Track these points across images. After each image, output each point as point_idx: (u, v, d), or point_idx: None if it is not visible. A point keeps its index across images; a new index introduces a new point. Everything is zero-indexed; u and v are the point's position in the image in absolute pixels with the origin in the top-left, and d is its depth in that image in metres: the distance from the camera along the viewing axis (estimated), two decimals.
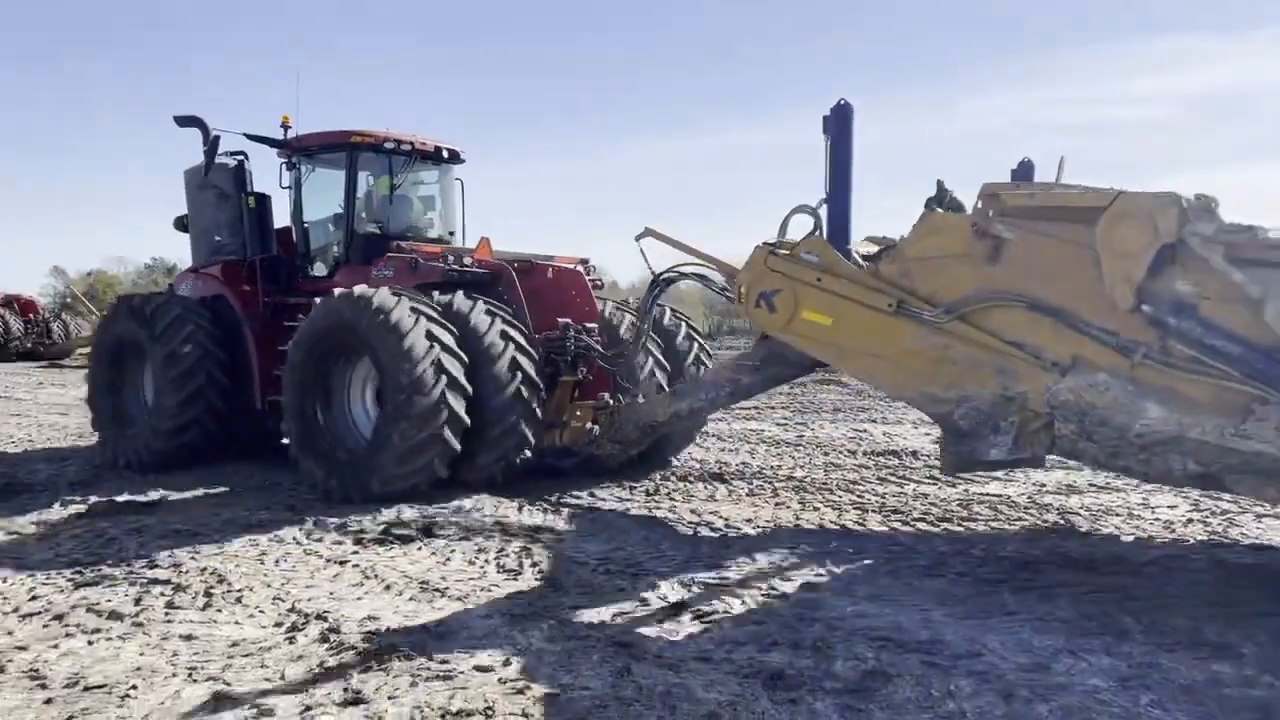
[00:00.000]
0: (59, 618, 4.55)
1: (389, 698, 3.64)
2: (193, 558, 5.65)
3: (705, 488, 8.01)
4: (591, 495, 7.61)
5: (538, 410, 7.58)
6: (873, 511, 7.03)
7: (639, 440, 7.73)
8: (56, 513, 6.96)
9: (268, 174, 10.87)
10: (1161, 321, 4.77)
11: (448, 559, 5.72)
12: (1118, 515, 6.75)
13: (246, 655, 4.09)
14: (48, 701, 3.59)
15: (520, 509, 7.06)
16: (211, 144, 9.06)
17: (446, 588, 5.11)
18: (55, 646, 4.16)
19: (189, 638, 4.30)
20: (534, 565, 5.55)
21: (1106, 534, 6.31)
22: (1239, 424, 4.56)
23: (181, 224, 9.86)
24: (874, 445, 10.19)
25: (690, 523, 6.70)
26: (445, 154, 9.61)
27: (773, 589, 5.08)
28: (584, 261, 9.20)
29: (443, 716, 3.49)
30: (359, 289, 7.50)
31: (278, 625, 4.49)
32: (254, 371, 8.93)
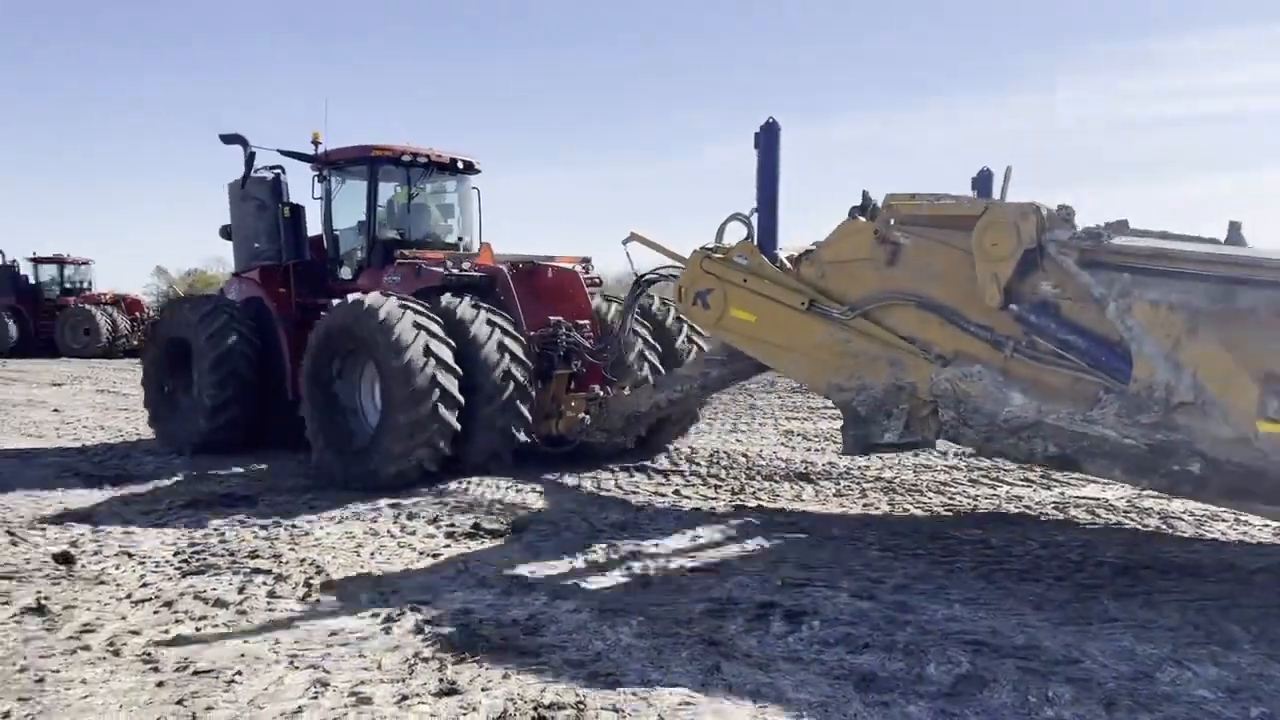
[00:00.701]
0: (168, 604, 4.74)
1: (482, 689, 3.71)
2: (292, 549, 5.83)
3: (791, 487, 7.95)
4: (677, 494, 7.63)
5: (530, 392, 8.15)
6: (965, 514, 6.90)
7: (624, 429, 8.19)
8: (164, 503, 7.24)
9: (303, 186, 11.78)
10: (1026, 319, 5.36)
11: (537, 554, 5.79)
12: (1223, 521, 6.49)
13: (345, 644, 4.20)
14: (160, 685, 3.75)
15: (604, 507, 7.12)
16: (248, 159, 9.83)
17: (536, 582, 5.18)
18: (165, 632, 4.34)
19: (290, 626, 4.44)
20: (620, 562, 5.59)
21: (1211, 539, 6.08)
22: (1087, 410, 5.15)
23: (226, 232, 10.50)
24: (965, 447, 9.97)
25: (778, 523, 6.66)
26: (460, 165, 10.19)
27: (863, 591, 5.02)
28: (585, 261, 9.67)
29: (535, 709, 3.53)
30: (353, 296, 8.20)
31: (374, 616, 4.60)
32: (286, 367, 9.57)
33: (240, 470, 8.69)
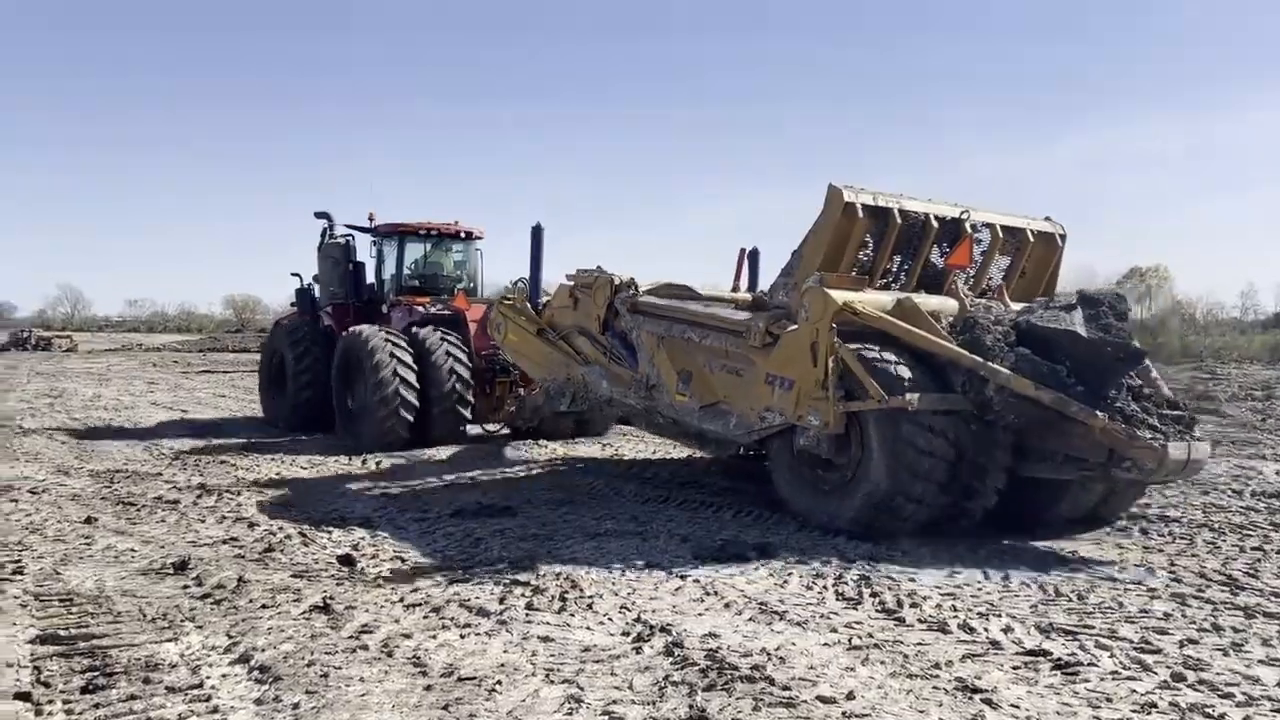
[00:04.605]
0: (436, 610, 5.02)
1: (732, 719, 3.65)
2: (548, 562, 6.03)
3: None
4: (931, 525, 7.28)
5: (469, 392, 11.79)
6: (1268, 561, 6.16)
7: (532, 418, 11.31)
8: (433, 511, 7.72)
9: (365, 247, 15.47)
10: (610, 337, 9.24)
11: (785, 581, 5.69)
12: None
13: (598, 661, 4.28)
14: (427, 688, 3.95)
15: (854, 536, 6.89)
16: (323, 230, 14.58)
17: (785, 610, 5.07)
18: (433, 637, 4.58)
19: (546, 639, 4.57)
20: (874, 595, 5.38)
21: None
22: (626, 390, 8.91)
23: (315, 279, 14.89)
24: (1265, 485, 8.95)
25: (1044, 562, 6.21)
26: (464, 234, 14.33)
27: (1146, 643, 4.57)
28: None
29: None
30: (354, 328, 12.28)
31: (625, 634, 4.66)
32: None
33: (499, 481, 9.15)
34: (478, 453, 11.44)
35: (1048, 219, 8.60)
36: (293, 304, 15.30)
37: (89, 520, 7.08)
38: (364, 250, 14.48)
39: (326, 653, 4.31)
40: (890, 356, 6.76)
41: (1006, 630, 4.76)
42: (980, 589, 5.56)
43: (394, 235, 13.98)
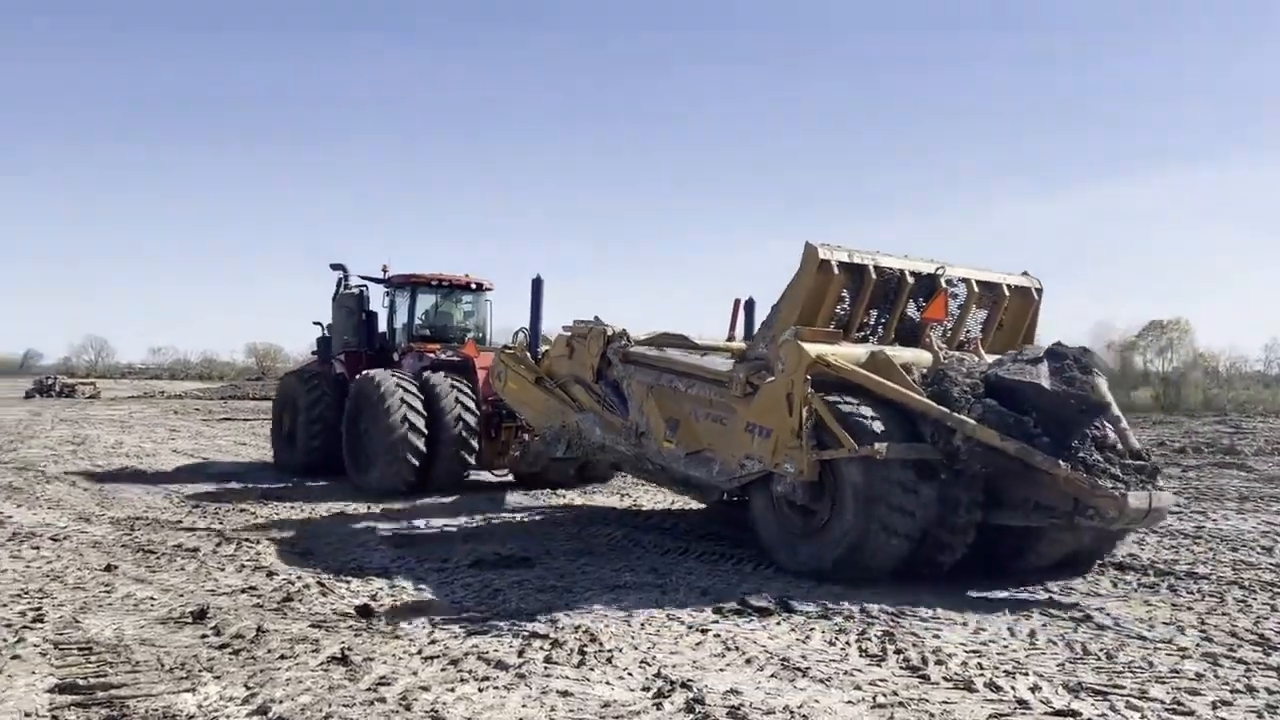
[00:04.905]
0: (454, 662, 4.97)
1: None
2: (567, 615, 5.98)
3: (1086, 579, 7.30)
4: (953, 581, 7.19)
5: (474, 444, 12.08)
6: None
7: (535, 464, 11.83)
8: (452, 561, 7.69)
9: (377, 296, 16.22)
10: (603, 385, 9.58)
11: (807, 637, 5.61)
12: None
13: (618, 717, 4.21)
14: None
15: (876, 591, 6.81)
16: (338, 280, 15.04)
17: (808, 667, 5.00)
18: (451, 690, 4.53)
19: (565, 694, 4.51)
20: (898, 651, 5.29)
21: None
22: (617, 437, 9.22)
23: (325, 328, 15.46)
24: None
25: (1070, 618, 6.11)
26: (474, 285, 14.77)
27: (1179, 704, 4.47)
28: None
29: None
30: (366, 372, 12.64)
31: (645, 690, 4.60)
32: None
33: (517, 532, 9.11)
34: (493, 502, 11.43)
35: (1025, 273, 8.89)
36: (313, 352, 15.72)
37: (109, 568, 7.09)
38: (377, 300, 15.02)
39: (344, 705, 4.27)
40: (862, 408, 7.01)
41: (1034, 689, 4.66)
42: (1006, 646, 5.46)
43: (406, 286, 14.50)
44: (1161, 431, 24.45)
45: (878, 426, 6.86)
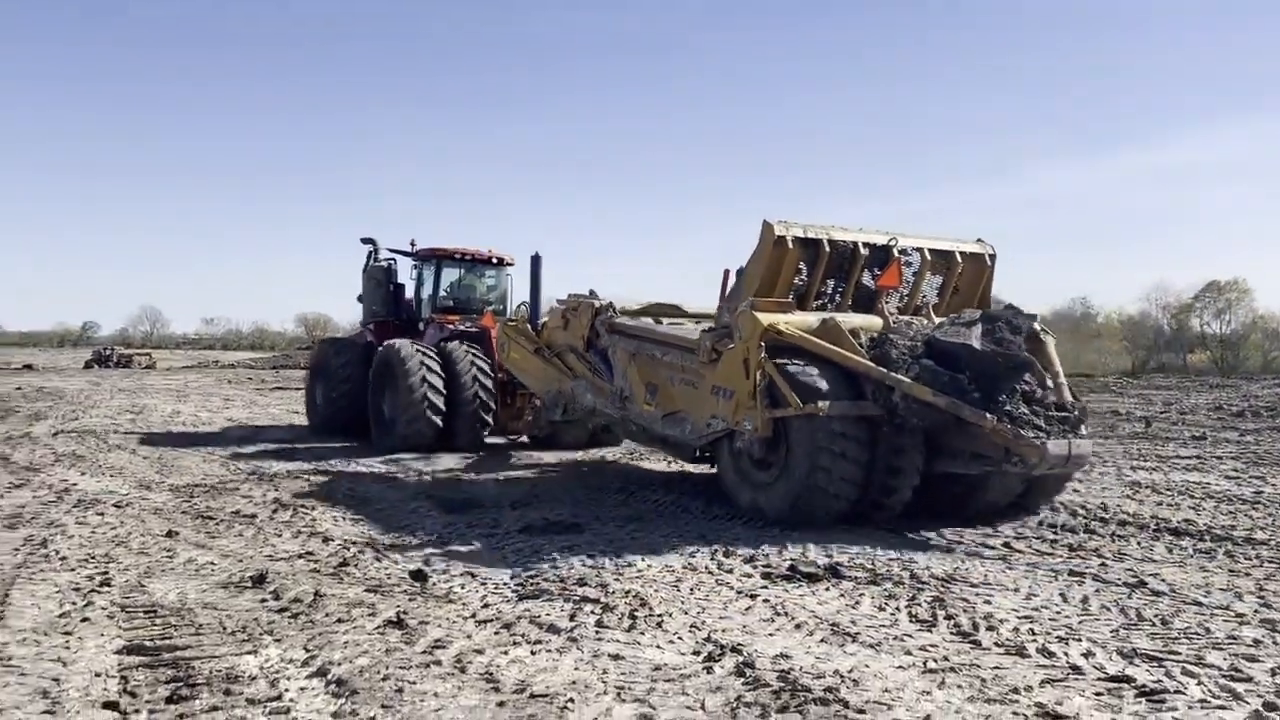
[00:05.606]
0: (507, 626, 5.05)
1: None
2: (617, 579, 6.04)
3: (1140, 544, 7.21)
4: (1007, 546, 7.15)
5: (491, 406, 13.17)
6: None
7: (547, 427, 12.86)
8: (503, 528, 7.79)
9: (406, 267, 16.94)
10: (593, 354, 10.51)
11: (856, 602, 5.61)
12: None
13: (669, 680, 4.26)
14: (500, 704, 3.98)
15: (926, 556, 6.80)
16: (369, 254, 15.92)
17: (857, 632, 5.01)
18: (505, 653, 4.61)
19: (617, 657, 4.57)
20: (948, 617, 5.28)
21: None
22: (606, 401, 10.01)
23: (359, 298, 16.29)
24: None
25: (1125, 583, 6.04)
26: (496, 260, 15.77)
27: (1236, 670, 4.41)
28: None
29: None
30: (389, 341, 13.66)
31: (695, 654, 4.64)
32: None
33: (565, 498, 9.20)
34: (541, 469, 11.53)
35: (979, 240, 9.46)
36: (361, 322, 16.63)
37: (170, 534, 7.28)
38: (405, 273, 15.84)
39: (401, 667, 4.36)
40: (809, 369, 7.75)
41: (1087, 655, 4.63)
42: (1059, 612, 5.42)
43: (432, 259, 15.38)
44: (1219, 395, 23.97)
45: (822, 386, 7.58)
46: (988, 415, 7.07)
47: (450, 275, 15.58)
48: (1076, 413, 7.64)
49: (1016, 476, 7.75)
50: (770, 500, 7.94)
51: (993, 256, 9.46)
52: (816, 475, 7.51)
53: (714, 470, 9.22)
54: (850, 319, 8.41)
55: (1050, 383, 7.85)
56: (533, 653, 4.63)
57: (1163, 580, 6.13)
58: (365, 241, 15.98)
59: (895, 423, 7.52)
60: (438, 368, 13.00)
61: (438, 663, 4.44)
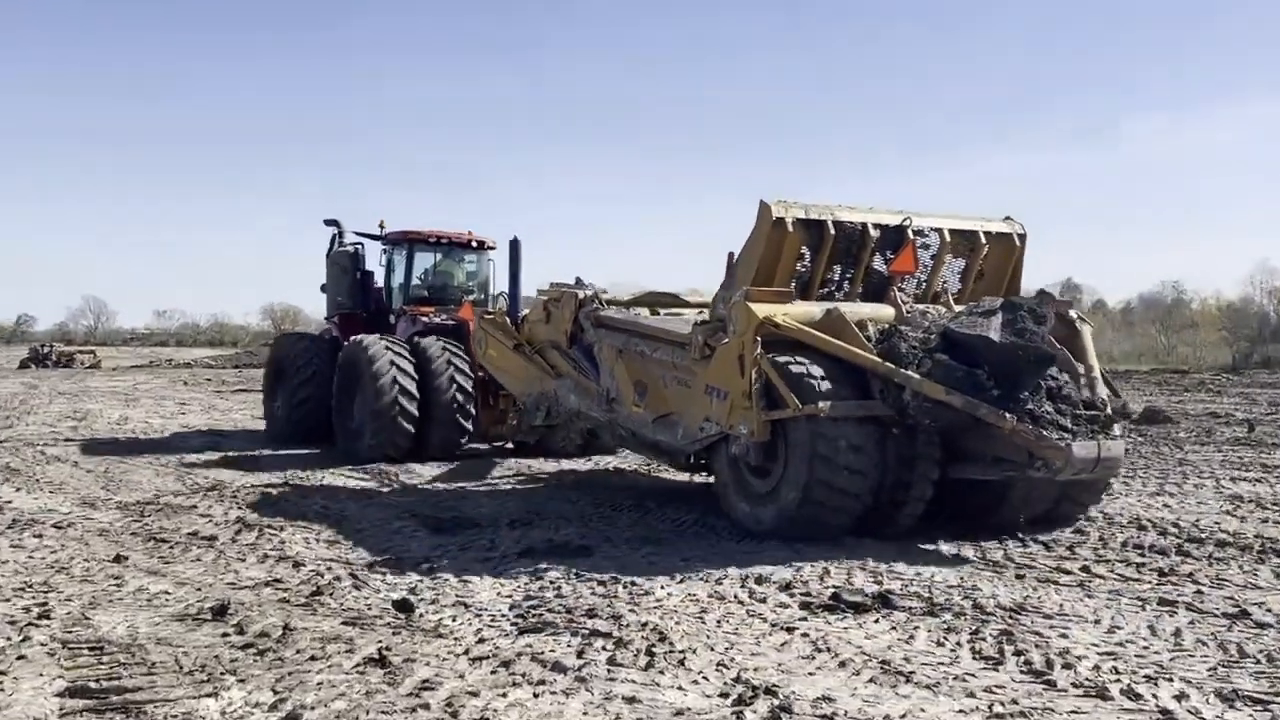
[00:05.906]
0: (506, 664, 5.06)
1: None
2: (632, 610, 6.05)
3: (1242, 568, 7.17)
4: (1086, 572, 7.13)
5: (470, 410, 13.14)
6: None
7: (531, 432, 12.27)
8: (500, 550, 7.81)
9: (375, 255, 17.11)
10: (578, 352, 10.56)
11: (910, 636, 5.61)
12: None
13: None
14: None
15: (993, 583, 6.78)
16: (333, 237, 15.83)
17: (911, 671, 5.00)
18: (503, 695, 4.63)
19: (632, 700, 4.58)
20: (1018, 653, 5.27)
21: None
22: (591, 403, 10.14)
23: (322, 288, 16.09)
24: None
25: (1224, 614, 6.02)
26: (475, 244, 15.78)
27: None
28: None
29: None
30: (355, 337, 13.59)
31: (723, 696, 4.64)
32: None
33: (572, 516, 9.22)
34: (539, 481, 11.56)
35: (1007, 219, 9.49)
36: (325, 315, 16.68)
37: (118, 559, 7.33)
38: (373, 259, 15.83)
39: (383, 712, 4.39)
40: (810, 367, 7.81)
41: (1180, 697, 4.61)
42: (1147, 647, 5.41)
43: (404, 243, 15.39)
44: None
45: (824, 385, 7.67)
46: (1007, 415, 7.15)
47: (424, 261, 15.59)
48: (1109, 411, 7.68)
49: (1044, 482, 7.80)
50: (768, 513, 8.05)
51: (1022, 236, 9.47)
52: (819, 484, 7.61)
53: (711, 480, 9.29)
54: (859, 309, 8.52)
55: (1083, 377, 7.94)
56: (535, 695, 4.65)
57: (1268, 610, 6.10)
58: (329, 223, 15.94)
59: (906, 424, 7.63)
60: (410, 368, 12.97)
61: (425, 706, 4.46)
